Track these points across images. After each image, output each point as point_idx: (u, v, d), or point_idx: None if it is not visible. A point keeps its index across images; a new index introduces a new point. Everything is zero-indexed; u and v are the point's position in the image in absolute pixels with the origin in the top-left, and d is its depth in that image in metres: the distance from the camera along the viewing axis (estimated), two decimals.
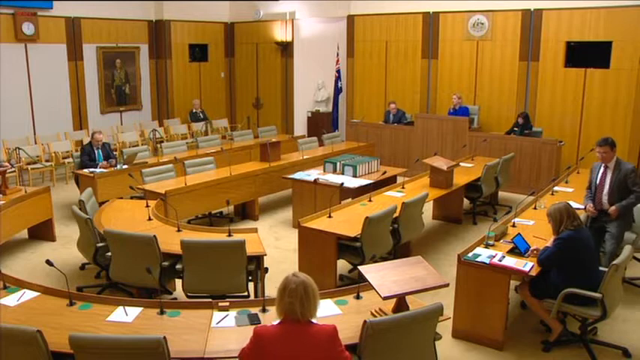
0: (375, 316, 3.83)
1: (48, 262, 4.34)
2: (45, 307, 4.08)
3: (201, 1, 14.13)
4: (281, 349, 3.07)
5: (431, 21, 11.93)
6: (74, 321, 3.86)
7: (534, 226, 5.77)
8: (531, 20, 10.69)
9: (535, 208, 6.45)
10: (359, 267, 4.21)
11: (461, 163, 8.56)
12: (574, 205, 5.26)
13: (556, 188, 7.30)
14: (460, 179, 7.94)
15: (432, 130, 10.82)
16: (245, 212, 8.75)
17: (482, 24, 11.28)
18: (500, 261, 4.83)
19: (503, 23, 11.07)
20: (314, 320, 3.15)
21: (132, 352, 3.35)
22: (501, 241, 5.34)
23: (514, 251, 5.02)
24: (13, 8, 11.32)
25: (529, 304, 5.03)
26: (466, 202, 8.56)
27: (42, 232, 7.71)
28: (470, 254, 5.04)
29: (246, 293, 5.15)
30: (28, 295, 4.24)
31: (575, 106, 10.45)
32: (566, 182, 7.65)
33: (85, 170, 8.53)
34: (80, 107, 12.81)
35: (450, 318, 4.82)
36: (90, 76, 12.92)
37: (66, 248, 7.33)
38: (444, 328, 4.72)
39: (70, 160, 10.96)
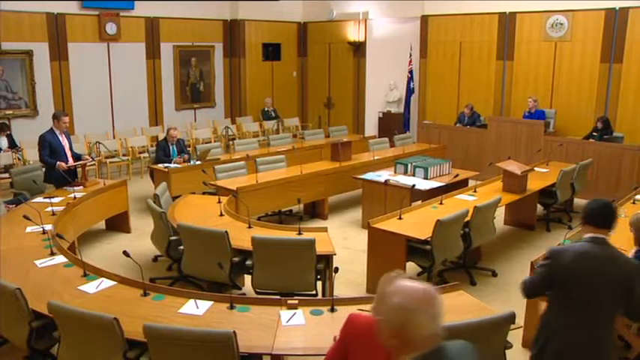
0: None
1: (125, 253, 4.48)
2: (121, 296, 4.22)
3: (275, 1, 14.28)
4: (366, 342, 3.04)
5: (507, 21, 11.66)
6: (148, 311, 3.97)
7: (613, 236, 5.49)
8: (615, 20, 10.27)
9: None
10: None
11: (535, 168, 8.31)
12: None
13: (638, 197, 6.98)
14: (534, 184, 7.71)
15: (505, 133, 10.56)
16: (314, 211, 8.80)
17: (562, 24, 10.93)
18: None
19: (583, 23, 10.69)
20: None
21: (202, 344, 3.42)
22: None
23: None
24: (98, 9, 11.81)
25: None
26: (540, 208, 8.31)
27: (118, 224, 7.99)
28: None
29: (314, 292, 5.18)
30: (106, 283, 4.40)
31: None
32: None
33: (160, 165, 8.78)
34: (156, 104, 13.22)
35: (521, 327, 4.69)
36: (166, 73, 13.30)
37: (140, 240, 7.56)
38: (515, 336, 4.59)
39: (146, 154, 11.32)
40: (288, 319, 3.86)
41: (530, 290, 3.52)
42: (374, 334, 2.99)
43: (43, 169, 7.64)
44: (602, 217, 3.32)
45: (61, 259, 4.89)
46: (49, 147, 7.28)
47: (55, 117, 7.46)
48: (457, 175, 7.96)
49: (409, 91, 13.31)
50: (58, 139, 7.39)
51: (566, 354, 3.28)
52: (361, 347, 3.00)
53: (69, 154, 7.50)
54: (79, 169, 7.63)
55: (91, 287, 4.34)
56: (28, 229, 5.59)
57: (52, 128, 7.42)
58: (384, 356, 2.95)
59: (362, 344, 3.01)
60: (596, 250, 3.26)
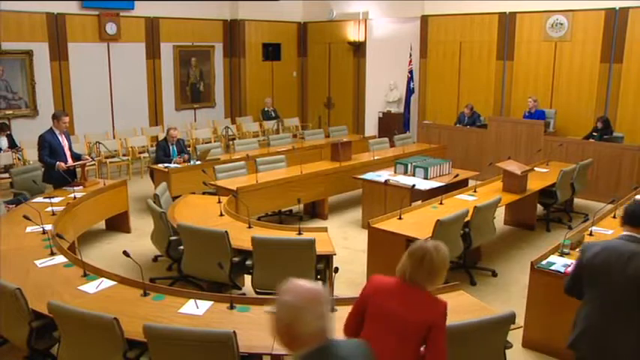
0: None
1: (125, 253, 4.48)
2: (121, 296, 4.22)
3: (275, 1, 14.28)
4: (383, 299, 3.04)
5: (507, 21, 11.66)
6: (148, 311, 3.97)
7: (613, 236, 5.49)
8: (615, 20, 10.27)
9: (614, 217, 6.17)
10: None
11: (535, 168, 8.31)
12: None
13: (638, 197, 6.96)
14: (534, 184, 7.71)
15: (505, 133, 10.56)
16: (314, 211, 8.79)
17: (562, 24, 10.93)
18: None
19: (583, 23, 10.69)
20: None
21: (202, 344, 3.42)
22: (577, 249, 5.15)
23: None
24: (98, 9, 11.81)
25: None
26: (540, 208, 8.31)
27: (118, 224, 7.99)
28: (544, 262, 4.90)
29: None
30: (106, 283, 4.41)
31: None
32: None
33: (160, 165, 8.77)
34: (156, 104, 13.22)
35: (521, 327, 4.69)
36: (166, 73, 13.30)
37: (140, 240, 7.55)
38: (515, 336, 4.60)
39: (146, 154, 11.32)
40: None
41: (567, 285, 3.58)
42: (389, 293, 2.99)
43: (42, 169, 7.63)
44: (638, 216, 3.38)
45: (61, 259, 4.89)
46: (48, 147, 7.27)
47: (55, 117, 7.45)
48: (457, 175, 7.96)
49: (409, 91, 13.31)
50: (58, 139, 7.37)
51: (591, 350, 3.32)
52: (375, 300, 3.02)
53: (68, 154, 7.48)
54: (79, 170, 7.62)
55: (91, 287, 4.34)
56: (28, 229, 5.59)
57: (51, 128, 7.41)
58: (394, 316, 2.96)
59: (376, 300, 3.03)
60: (623, 246, 3.29)
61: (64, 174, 7.22)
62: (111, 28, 11.99)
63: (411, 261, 3.01)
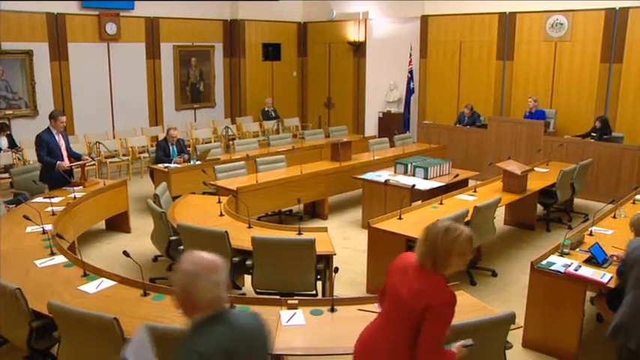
0: None
1: (125, 253, 4.47)
2: (121, 296, 4.22)
3: (275, 1, 14.27)
4: (395, 276, 3.00)
5: (507, 21, 11.65)
6: (148, 311, 3.97)
7: (613, 236, 5.54)
8: (615, 20, 10.27)
9: (614, 217, 6.18)
10: None
11: (535, 168, 8.31)
12: None
13: (638, 197, 6.98)
14: (534, 184, 7.71)
15: (505, 133, 10.56)
16: (314, 211, 8.79)
17: (562, 24, 10.92)
18: (575, 270, 4.66)
19: (583, 23, 10.68)
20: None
21: None
22: (577, 249, 5.15)
23: (591, 261, 4.82)
24: (98, 9, 11.81)
25: (606, 318, 4.82)
26: (540, 208, 8.31)
27: (118, 224, 7.99)
28: (544, 262, 4.89)
29: (314, 292, 5.18)
30: (106, 283, 4.40)
31: None
32: None
33: (160, 165, 8.77)
34: (156, 104, 13.21)
35: (521, 327, 4.69)
36: (166, 73, 13.30)
37: (140, 240, 7.55)
38: (515, 336, 4.60)
39: (146, 154, 11.31)
40: (288, 319, 3.86)
41: (620, 280, 3.70)
42: (402, 271, 2.98)
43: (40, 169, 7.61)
44: None
45: (61, 259, 4.89)
46: (46, 147, 7.24)
47: (52, 116, 7.39)
48: (457, 175, 7.97)
49: (409, 91, 13.31)
50: (55, 138, 7.33)
51: (628, 339, 3.45)
52: (392, 275, 3.04)
53: (65, 154, 7.44)
54: (78, 170, 7.61)
55: (91, 287, 4.34)
56: (28, 229, 5.58)
57: (48, 128, 7.36)
58: (397, 294, 2.96)
59: (391, 277, 3.03)
60: None
61: (63, 174, 7.21)
62: (111, 28, 11.99)
63: (419, 239, 2.92)
